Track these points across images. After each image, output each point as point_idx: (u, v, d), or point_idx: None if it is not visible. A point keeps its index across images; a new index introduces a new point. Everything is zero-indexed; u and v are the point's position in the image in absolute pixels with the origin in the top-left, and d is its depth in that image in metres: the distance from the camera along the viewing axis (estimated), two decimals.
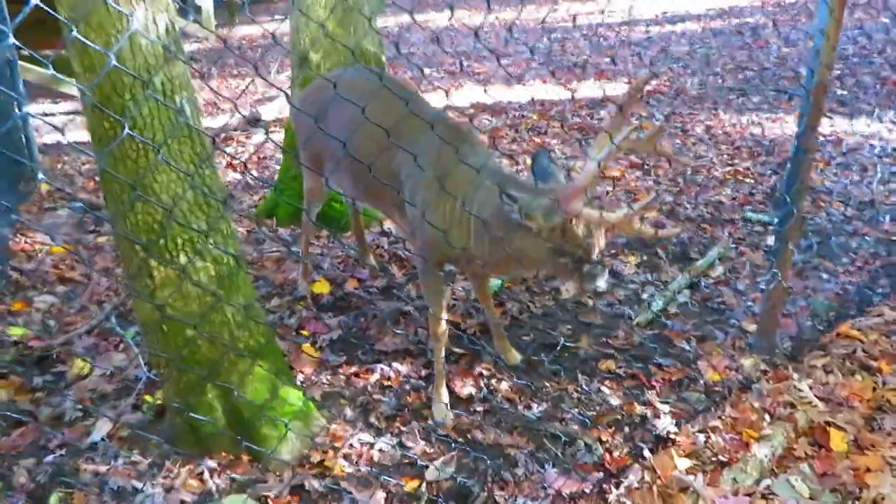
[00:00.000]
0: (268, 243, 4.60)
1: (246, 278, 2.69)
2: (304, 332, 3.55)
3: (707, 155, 6.00)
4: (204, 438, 2.67)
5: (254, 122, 7.37)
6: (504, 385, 3.15)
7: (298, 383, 3.06)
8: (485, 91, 7.99)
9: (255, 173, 6.04)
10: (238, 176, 6.04)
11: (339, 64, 4.22)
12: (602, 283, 2.51)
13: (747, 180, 5.44)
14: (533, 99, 7.65)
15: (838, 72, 8.05)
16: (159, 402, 2.91)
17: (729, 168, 5.71)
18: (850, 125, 6.41)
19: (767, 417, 2.83)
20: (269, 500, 2.49)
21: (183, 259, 2.40)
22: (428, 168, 2.68)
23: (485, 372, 3.25)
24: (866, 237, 4.41)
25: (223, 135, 7.17)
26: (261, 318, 2.72)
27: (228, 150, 6.78)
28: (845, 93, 7.46)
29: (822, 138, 6.09)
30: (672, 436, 2.75)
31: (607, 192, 5.31)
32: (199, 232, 2.39)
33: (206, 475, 2.59)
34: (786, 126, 6.46)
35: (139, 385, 3.02)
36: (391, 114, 2.67)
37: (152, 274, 2.39)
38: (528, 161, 4.30)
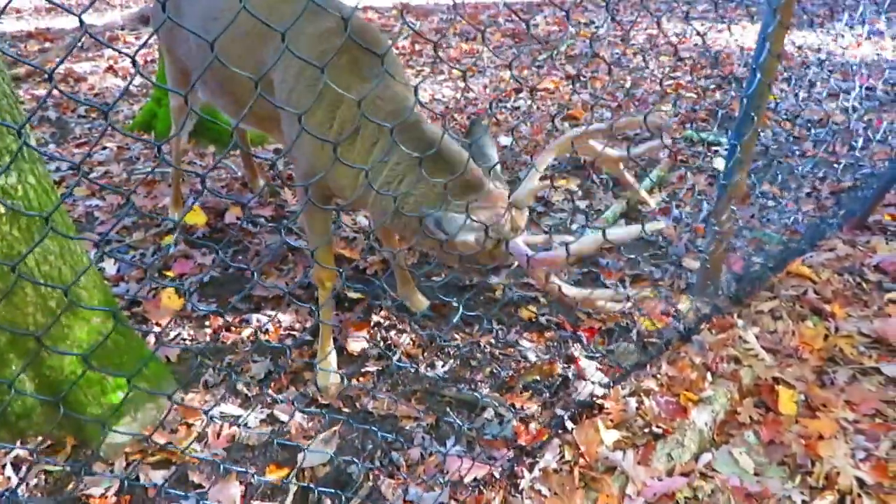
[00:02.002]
0: (143, 162, 3.85)
1: (63, 214, 2.02)
2: (169, 274, 2.91)
3: (648, 66, 5.45)
4: (12, 419, 2.04)
5: (142, 20, 6.35)
6: (405, 338, 2.62)
7: (149, 340, 2.44)
8: None
9: (137, 81, 5.15)
10: (120, 82, 5.15)
11: None
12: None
13: (689, 95, 4.93)
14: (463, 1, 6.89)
15: None
16: None
17: (671, 82, 5.19)
18: (795, 37, 5.92)
19: (709, 376, 2.38)
20: (90, 503, 1.92)
21: None
22: (309, 67, 2.07)
23: (383, 321, 2.71)
24: (816, 160, 3.97)
25: (108, 34, 6.16)
26: (79, 260, 2.05)
27: (110, 51, 5.82)
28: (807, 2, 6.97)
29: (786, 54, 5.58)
30: (598, 401, 2.28)
31: (536, 108, 4.72)
32: None
33: (10, 469, 1.98)
34: (732, 38, 5.93)
35: None
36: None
37: None
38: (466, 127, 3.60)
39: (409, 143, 1.96)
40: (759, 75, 2.23)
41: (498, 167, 2.06)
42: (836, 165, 3.83)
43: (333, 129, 2.09)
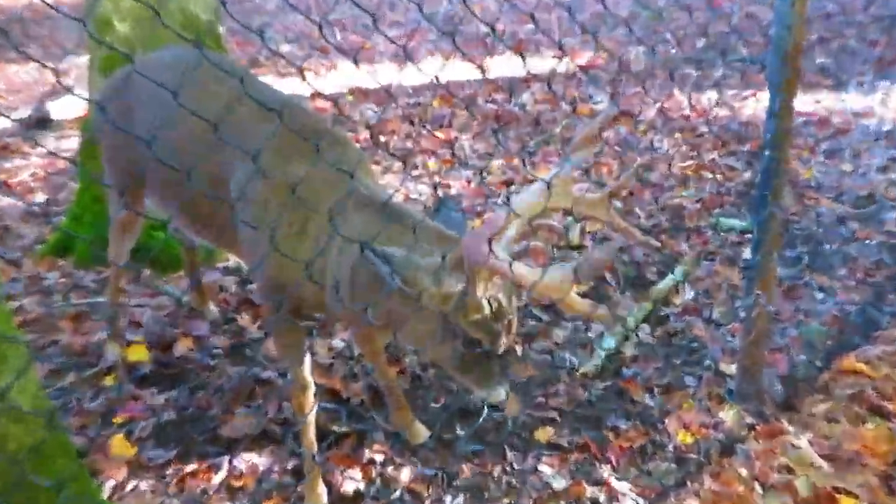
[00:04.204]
0: (61, 294, 4.33)
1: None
2: (116, 420, 3.32)
3: (661, 146, 6.18)
4: None
5: (40, 123, 7.02)
6: (405, 473, 3.04)
7: (104, 497, 2.83)
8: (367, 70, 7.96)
9: (40, 197, 5.71)
10: (15, 201, 5.69)
11: (156, 38, 4.06)
12: (502, 391, 2.43)
13: (714, 176, 5.59)
14: (433, 80, 7.67)
15: (817, 35, 8.50)
16: None
17: (691, 162, 5.88)
18: (836, 100, 6.75)
19: (759, 488, 2.84)
20: None
21: None
22: (266, 171, 2.58)
23: (378, 457, 3.13)
24: (867, 242, 4.61)
25: None
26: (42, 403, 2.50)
27: (5, 163, 6.42)
28: (829, 61, 7.88)
29: (802, 118, 6.38)
30: None
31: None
32: None
33: None
34: (759, 105, 6.73)
35: None
36: (218, 102, 2.63)
37: None
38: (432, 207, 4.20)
39: (362, 211, 2.52)
40: (768, 151, 2.82)
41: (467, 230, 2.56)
42: (889, 245, 4.46)
43: (284, 226, 2.60)
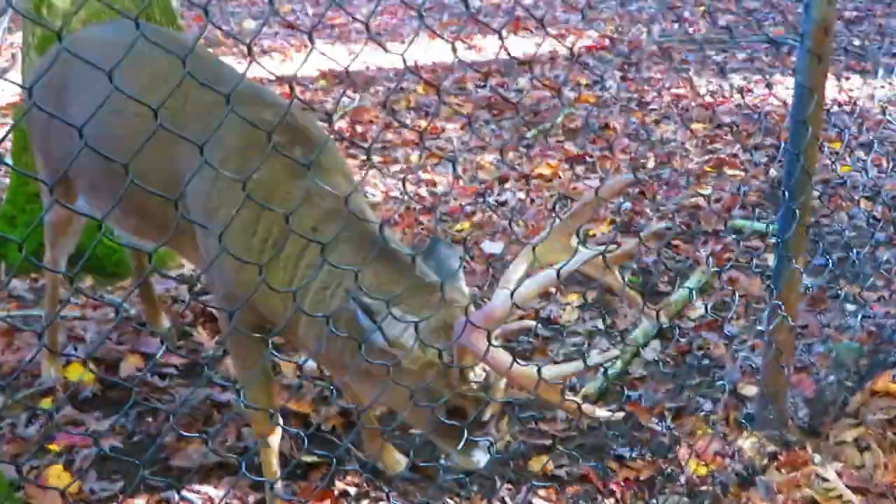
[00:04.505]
0: None
1: None
2: (54, 448, 3.33)
3: (676, 138, 6.17)
4: None
5: None
6: None
7: None
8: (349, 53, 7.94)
9: None
10: None
11: (101, 14, 4.04)
12: (482, 459, 2.47)
13: (735, 173, 5.60)
14: (416, 63, 7.65)
15: (852, 13, 8.51)
16: None
17: (709, 156, 5.88)
18: (872, 88, 6.79)
19: None
20: None
21: None
22: (224, 167, 2.48)
23: (351, 490, 3.14)
24: None
25: None
26: None
27: None
28: (863, 44, 7.92)
29: (835, 107, 6.35)
30: None
31: (530, 202, 5.32)
32: None
33: None
34: (788, 92, 6.70)
35: None
36: (168, 86, 2.55)
37: None
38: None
39: (349, 243, 2.50)
40: (792, 145, 2.88)
41: (461, 281, 2.59)
42: None
43: (257, 238, 2.61)
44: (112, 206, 3.01)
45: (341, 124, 6.39)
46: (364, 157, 5.88)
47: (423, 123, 6.51)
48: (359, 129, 6.54)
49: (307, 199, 2.54)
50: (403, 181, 5.58)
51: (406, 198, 5.36)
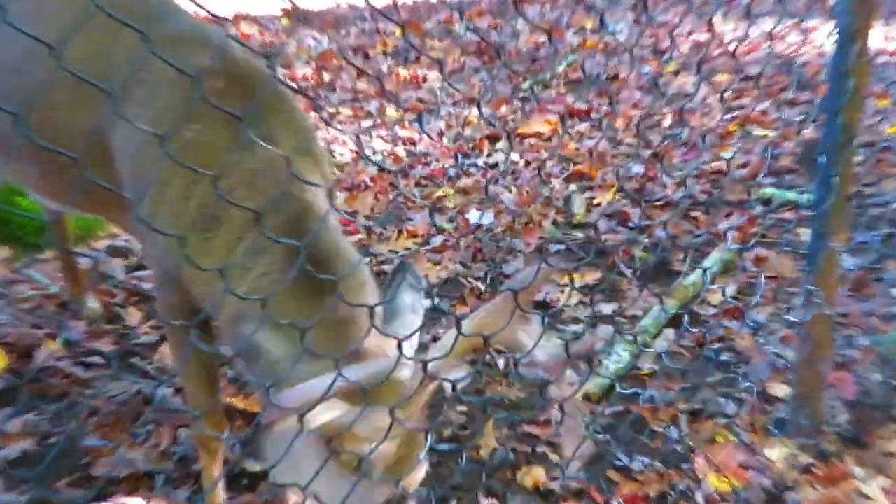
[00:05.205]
0: None
1: None
2: None
3: (695, 92, 6.02)
4: None
5: None
6: None
7: None
8: None
9: None
10: None
11: None
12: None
13: (764, 133, 5.41)
14: (395, 1, 7.52)
15: None
16: None
17: (734, 114, 5.69)
18: None
19: None
20: None
21: None
22: (163, 123, 2.31)
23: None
24: None
25: None
26: None
27: None
28: None
29: (882, 57, 6.18)
30: None
31: (524, 164, 4.98)
32: None
33: None
34: (828, 41, 6.51)
35: None
36: (99, 33, 2.41)
37: None
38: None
39: (283, 249, 2.20)
40: (832, 103, 2.70)
41: (407, 311, 2.26)
42: None
43: (190, 209, 2.30)
44: (36, 174, 2.78)
45: (306, 71, 6.10)
46: (331, 110, 5.65)
47: (403, 71, 6.33)
48: (326, 76, 6.34)
49: (250, 177, 2.29)
50: (373, 138, 5.27)
51: (379, 158, 5.15)
